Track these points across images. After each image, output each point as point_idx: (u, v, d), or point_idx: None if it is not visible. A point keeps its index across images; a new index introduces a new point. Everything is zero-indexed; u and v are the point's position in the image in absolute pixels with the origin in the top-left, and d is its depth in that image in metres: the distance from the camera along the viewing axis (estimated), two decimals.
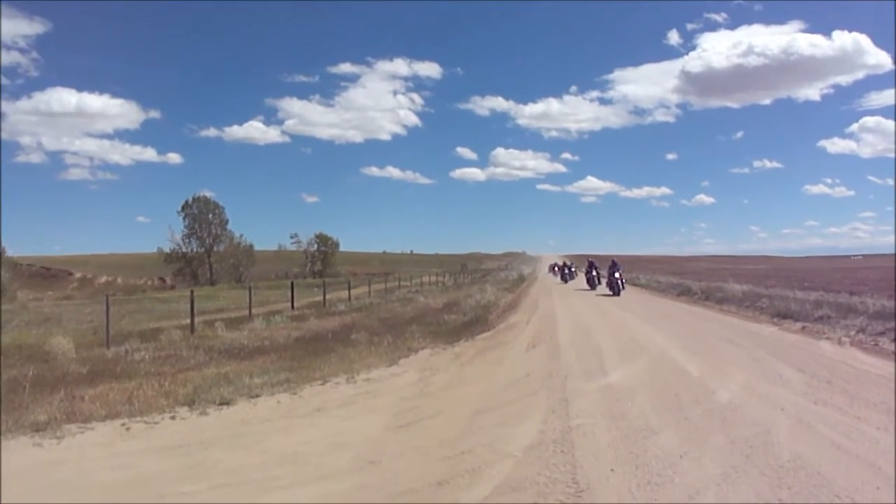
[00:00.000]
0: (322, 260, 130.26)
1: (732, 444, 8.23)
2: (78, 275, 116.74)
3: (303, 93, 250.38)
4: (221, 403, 11.78)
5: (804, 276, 57.77)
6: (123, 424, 10.44)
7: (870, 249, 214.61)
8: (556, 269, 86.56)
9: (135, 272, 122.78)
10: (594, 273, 51.04)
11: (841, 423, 9.14)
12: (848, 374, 12.82)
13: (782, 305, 25.01)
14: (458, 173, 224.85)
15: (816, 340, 17.83)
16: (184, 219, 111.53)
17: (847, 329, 18.90)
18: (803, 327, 20.58)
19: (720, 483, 6.96)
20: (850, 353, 15.63)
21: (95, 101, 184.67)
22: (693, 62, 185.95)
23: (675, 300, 37.56)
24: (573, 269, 73.63)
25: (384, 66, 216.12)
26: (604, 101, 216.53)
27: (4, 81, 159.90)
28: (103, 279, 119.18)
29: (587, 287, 50.42)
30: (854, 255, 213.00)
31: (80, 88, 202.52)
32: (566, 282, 65.72)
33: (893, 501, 6.47)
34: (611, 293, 41.20)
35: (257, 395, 12.44)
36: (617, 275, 41.35)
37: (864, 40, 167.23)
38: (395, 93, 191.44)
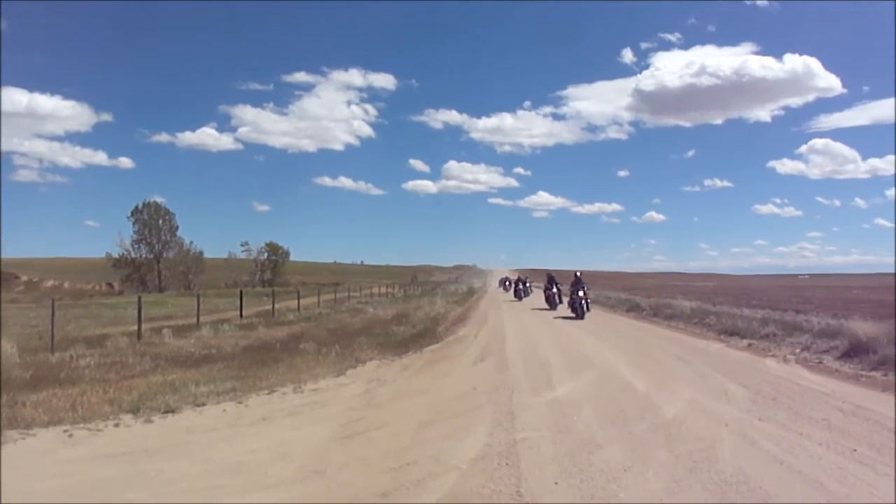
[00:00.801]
0: (272, 269, 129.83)
1: (676, 458, 8.28)
2: (24, 278, 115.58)
3: (257, 100, 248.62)
4: (166, 411, 11.68)
5: (752, 294, 58.27)
6: (66, 431, 10.32)
7: (817, 269, 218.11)
8: (508, 283, 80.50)
9: (82, 277, 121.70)
10: (555, 290, 42.83)
11: (784, 439, 9.23)
12: (792, 391, 12.95)
13: (729, 322, 25.26)
14: (411, 185, 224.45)
15: (762, 357, 18.01)
16: (133, 224, 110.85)
17: (792, 347, 19.13)
18: (749, 344, 20.76)
19: (663, 497, 7.00)
20: (794, 370, 15.81)
21: (47, 102, 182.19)
22: (646, 81, 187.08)
23: (624, 316, 37.82)
24: (528, 285, 64.24)
25: (339, 75, 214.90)
26: (557, 117, 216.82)
27: None
28: (50, 283, 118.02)
29: (546, 306, 42.68)
30: (801, 275, 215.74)
31: (31, 89, 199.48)
32: (520, 299, 57.47)
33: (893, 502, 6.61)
34: (573, 315, 34.12)
35: (203, 404, 12.34)
36: (581, 293, 34.42)
37: (814, 63, 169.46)
38: (349, 103, 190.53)
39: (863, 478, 7.52)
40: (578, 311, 33.89)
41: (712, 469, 7.81)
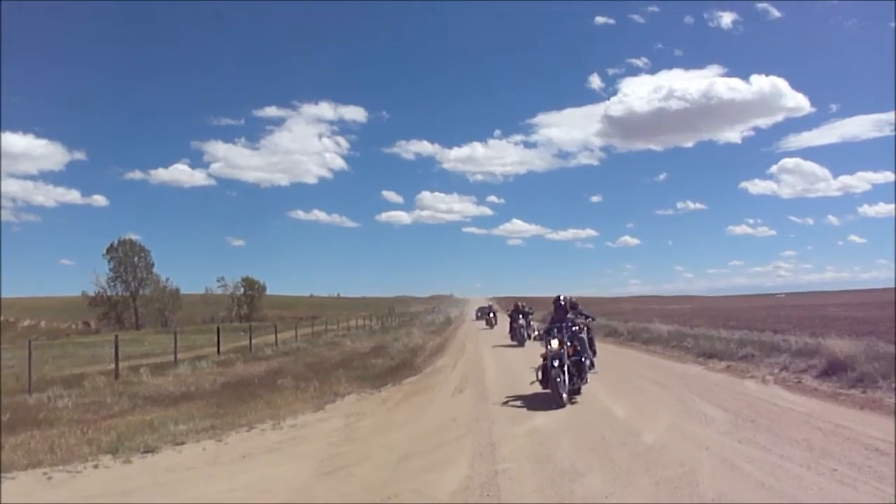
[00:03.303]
0: (249, 304, 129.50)
1: (657, 484, 8.29)
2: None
3: (228, 136, 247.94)
4: (146, 451, 11.62)
5: (729, 315, 58.31)
6: (45, 474, 10.26)
7: (792, 287, 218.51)
8: (492, 315, 58.41)
9: (58, 316, 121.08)
10: (575, 328, 17.38)
11: (765, 461, 9.24)
12: (772, 412, 12.97)
13: (707, 345, 25.26)
14: (385, 216, 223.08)
15: (741, 379, 18.03)
16: (109, 262, 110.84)
17: (771, 367, 19.12)
18: (728, 366, 20.77)
19: None
20: (773, 391, 15.84)
21: (19, 142, 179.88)
22: (615, 106, 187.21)
23: (602, 341, 37.50)
24: (529, 312, 37.60)
25: (309, 109, 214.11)
26: (528, 145, 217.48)
27: None
28: (26, 323, 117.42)
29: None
30: (778, 294, 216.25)
31: (3, 128, 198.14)
32: (521, 342, 34.76)
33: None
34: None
35: (182, 443, 12.29)
36: (581, 334, 17.30)
37: (781, 83, 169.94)
38: (320, 136, 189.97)
39: (844, 497, 7.54)
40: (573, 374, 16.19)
41: (694, 494, 7.82)
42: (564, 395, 15.07)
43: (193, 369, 25.85)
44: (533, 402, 15.42)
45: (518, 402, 15.47)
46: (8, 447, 11.83)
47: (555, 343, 15.95)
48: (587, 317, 19.29)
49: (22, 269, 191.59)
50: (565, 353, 15.79)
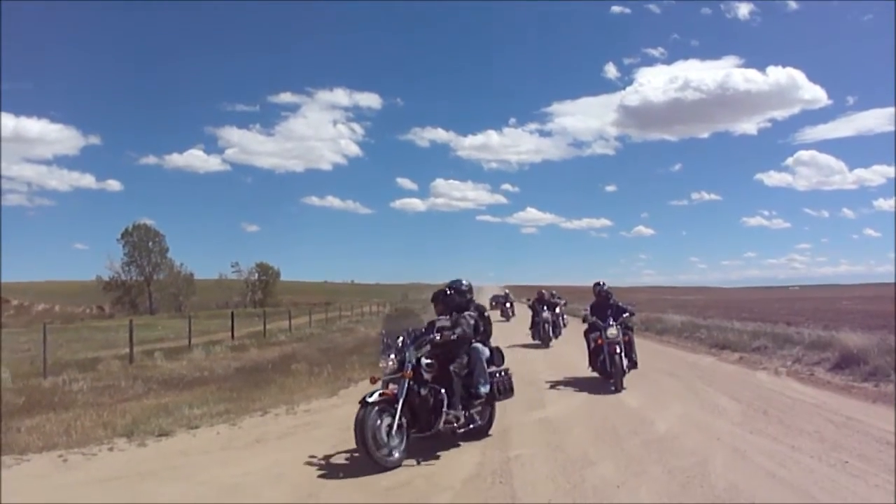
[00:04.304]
0: (263, 289, 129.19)
1: (669, 473, 8.30)
2: (15, 302, 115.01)
3: (243, 122, 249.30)
4: (160, 434, 11.66)
5: (742, 307, 58.17)
6: (61, 456, 10.32)
7: (806, 280, 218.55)
8: (509, 305, 50.05)
9: (73, 300, 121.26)
10: (612, 328, 16.02)
11: (776, 452, 9.25)
12: (783, 403, 12.97)
13: (720, 336, 25.21)
14: (399, 203, 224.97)
15: (753, 370, 18.02)
16: (123, 247, 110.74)
17: (783, 359, 19.09)
18: (740, 357, 20.76)
19: None
20: (786, 383, 15.83)
21: (34, 126, 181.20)
22: (631, 96, 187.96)
23: None
24: (557, 302, 30.26)
25: (324, 95, 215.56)
26: (543, 134, 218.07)
27: None
28: (41, 307, 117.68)
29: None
30: (792, 286, 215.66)
31: (18, 113, 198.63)
32: (546, 342, 27.66)
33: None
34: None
35: (196, 426, 12.34)
36: (613, 330, 15.91)
37: (798, 75, 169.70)
38: (335, 123, 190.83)
39: (854, 490, 7.55)
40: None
41: (705, 483, 7.83)
42: (394, 455, 9.20)
43: (207, 354, 25.98)
44: (545, 393, 15.44)
45: (531, 391, 15.44)
46: (24, 429, 11.93)
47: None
48: (625, 311, 16.71)
49: (36, 254, 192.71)
50: (405, 383, 9.57)
